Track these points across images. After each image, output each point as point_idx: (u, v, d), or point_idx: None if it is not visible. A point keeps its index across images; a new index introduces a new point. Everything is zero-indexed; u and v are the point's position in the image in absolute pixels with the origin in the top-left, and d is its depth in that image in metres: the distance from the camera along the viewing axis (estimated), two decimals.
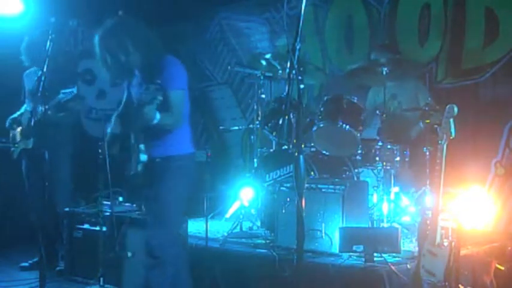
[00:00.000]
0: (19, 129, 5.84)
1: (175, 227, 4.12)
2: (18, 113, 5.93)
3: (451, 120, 3.79)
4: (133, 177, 4.02)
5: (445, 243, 3.70)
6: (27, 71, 5.98)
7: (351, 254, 4.28)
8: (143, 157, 3.98)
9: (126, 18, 4.03)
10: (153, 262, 3.95)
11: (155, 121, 3.77)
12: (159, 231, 3.96)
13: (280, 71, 5.79)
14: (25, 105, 5.96)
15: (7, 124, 5.90)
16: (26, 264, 5.86)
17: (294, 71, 3.13)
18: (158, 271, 3.95)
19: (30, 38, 5.77)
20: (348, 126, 5.10)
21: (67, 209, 5.76)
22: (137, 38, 3.94)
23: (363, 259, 4.21)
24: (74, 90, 5.48)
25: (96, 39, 3.96)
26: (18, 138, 5.84)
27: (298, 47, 3.13)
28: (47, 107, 4.21)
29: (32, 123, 4.33)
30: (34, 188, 5.68)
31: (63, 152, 5.88)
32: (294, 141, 5.04)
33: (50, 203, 5.60)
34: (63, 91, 5.45)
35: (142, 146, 3.98)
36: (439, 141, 3.82)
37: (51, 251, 5.72)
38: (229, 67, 7.72)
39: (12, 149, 5.90)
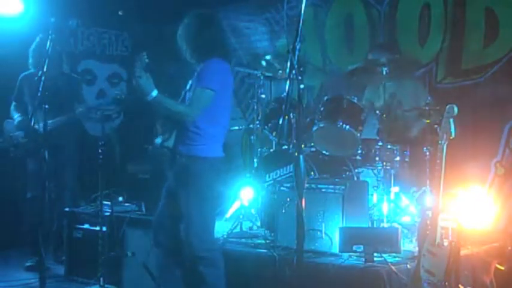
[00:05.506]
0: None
1: (208, 227, 4.21)
2: (16, 115, 5.90)
3: (451, 120, 3.79)
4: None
5: (445, 243, 3.69)
6: (26, 73, 5.95)
7: (351, 254, 4.28)
8: (157, 140, 4.11)
9: (200, 15, 4.26)
10: (203, 262, 4.06)
11: (152, 96, 3.90)
12: (194, 236, 4.07)
13: (280, 71, 5.78)
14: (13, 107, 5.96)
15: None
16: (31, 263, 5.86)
17: (294, 71, 3.13)
18: (212, 268, 4.08)
19: (39, 40, 5.75)
20: (348, 126, 5.09)
21: (67, 209, 5.76)
22: (190, 35, 4.17)
23: (363, 259, 4.21)
24: None
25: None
26: (20, 140, 5.81)
27: (298, 47, 3.12)
28: (47, 106, 4.20)
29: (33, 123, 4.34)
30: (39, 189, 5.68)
31: (68, 152, 5.88)
32: (294, 141, 5.05)
33: (59, 203, 5.62)
34: None
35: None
36: (439, 141, 3.82)
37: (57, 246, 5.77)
38: None
39: (12, 148, 5.89)
